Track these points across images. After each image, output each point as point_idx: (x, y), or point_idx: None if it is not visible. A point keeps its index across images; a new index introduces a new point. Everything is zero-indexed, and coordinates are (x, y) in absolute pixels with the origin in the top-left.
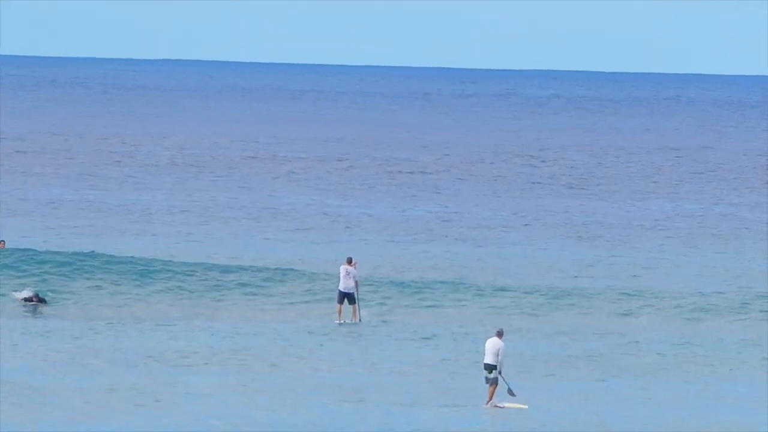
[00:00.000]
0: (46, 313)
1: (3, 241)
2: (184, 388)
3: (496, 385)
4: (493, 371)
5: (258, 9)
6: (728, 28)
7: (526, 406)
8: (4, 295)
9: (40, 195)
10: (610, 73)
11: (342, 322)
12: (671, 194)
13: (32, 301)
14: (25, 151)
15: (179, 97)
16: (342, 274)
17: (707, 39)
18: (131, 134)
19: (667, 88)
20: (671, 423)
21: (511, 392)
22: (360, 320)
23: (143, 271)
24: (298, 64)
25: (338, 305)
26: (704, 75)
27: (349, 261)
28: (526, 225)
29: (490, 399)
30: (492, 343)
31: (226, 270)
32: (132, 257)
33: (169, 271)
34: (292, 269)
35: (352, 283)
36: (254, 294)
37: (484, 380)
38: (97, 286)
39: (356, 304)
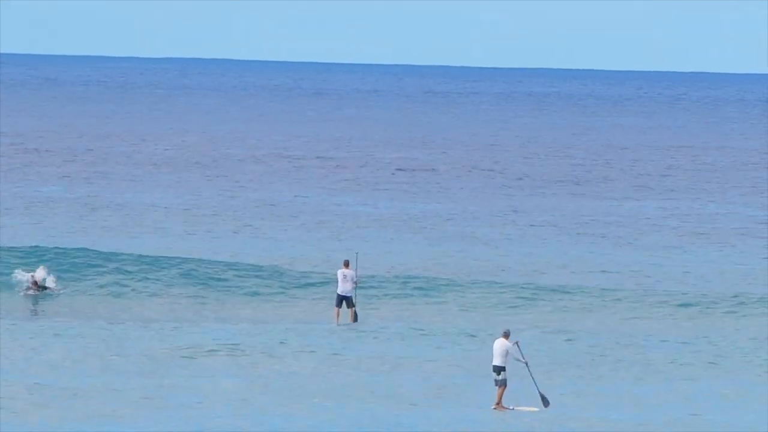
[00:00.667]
0: (48, 312)
1: None
2: (189, 389)
3: (505, 386)
4: (501, 373)
5: (258, 8)
6: (728, 28)
7: (537, 409)
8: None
9: (42, 193)
10: (610, 72)
11: (339, 324)
12: (673, 194)
13: (35, 287)
14: (28, 149)
15: (200, 95)
16: (340, 278)
17: (707, 38)
18: (143, 132)
19: (668, 87)
20: (671, 423)
21: (544, 399)
22: (356, 320)
23: (148, 269)
24: (298, 63)
25: (336, 309)
26: (704, 73)
27: (346, 264)
28: (531, 225)
29: (499, 401)
30: (499, 345)
31: (233, 268)
32: (137, 255)
33: (174, 269)
34: (295, 269)
35: (350, 287)
36: (256, 294)
37: (493, 382)
38: (101, 284)
39: (354, 308)
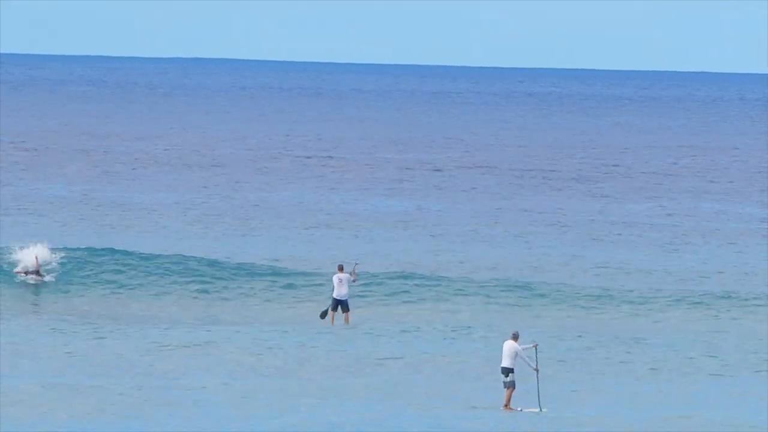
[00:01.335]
0: (48, 310)
1: None
2: (189, 389)
3: (513, 388)
4: (510, 374)
5: (258, 8)
6: (728, 28)
7: (545, 410)
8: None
9: (42, 193)
10: (609, 72)
11: (333, 325)
12: (673, 193)
13: (37, 273)
14: (28, 149)
15: (201, 95)
16: (335, 282)
17: (707, 38)
18: (142, 132)
19: (668, 87)
20: (671, 421)
21: (539, 406)
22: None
23: (147, 267)
24: (298, 63)
25: (332, 312)
26: (704, 73)
27: (341, 269)
28: (532, 224)
29: (507, 402)
30: (508, 346)
31: (232, 267)
32: (136, 254)
33: (173, 268)
34: (294, 269)
35: (345, 291)
36: (254, 294)
37: (502, 384)
38: (101, 283)
39: (349, 312)
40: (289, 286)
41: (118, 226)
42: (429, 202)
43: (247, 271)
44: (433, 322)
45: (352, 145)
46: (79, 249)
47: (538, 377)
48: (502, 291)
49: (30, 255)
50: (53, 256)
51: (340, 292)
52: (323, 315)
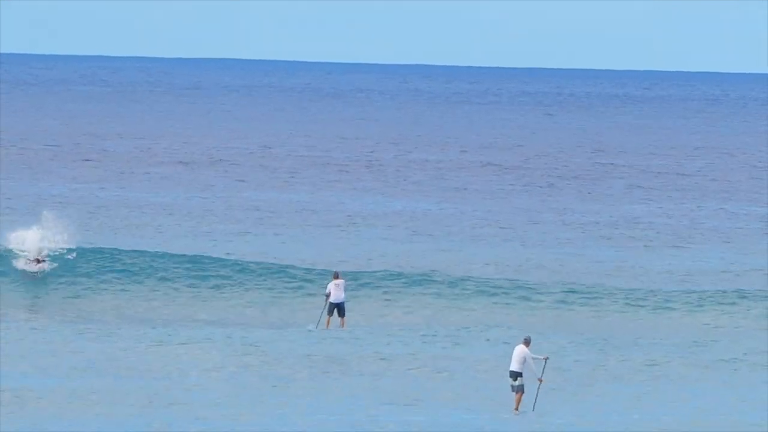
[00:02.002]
0: (49, 310)
1: None
2: (189, 389)
3: (522, 392)
4: (519, 378)
5: (258, 8)
6: (728, 28)
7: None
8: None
9: (41, 192)
10: (609, 71)
11: (328, 328)
12: (674, 193)
13: (39, 261)
14: (28, 149)
15: (201, 95)
16: (332, 288)
17: (707, 38)
18: (142, 131)
19: (668, 87)
20: (673, 422)
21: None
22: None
23: (148, 268)
24: (298, 63)
25: (328, 316)
26: (704, 73)
27: (336, 276)
28: (532, 224)
29: (517, 407)
30: (518, 351)
31: (233, 268)
32: (138, 254)
33: (173, 268)
34: (294, 270)
35: (342, 295)
36: (252, 294)
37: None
38: (102, 283)
39: (345, 317)
40: (290, 286)
41: (117, 225)
42: (429, 202)
43: (247, 271)
44: (433, 322)
45: (352, 145)
46: (79, 249)
47: (539, 387)
48: (503, 291)
49: (28, 242)
50: (48, 242)
51: (337, 295)
52: (318, 323)
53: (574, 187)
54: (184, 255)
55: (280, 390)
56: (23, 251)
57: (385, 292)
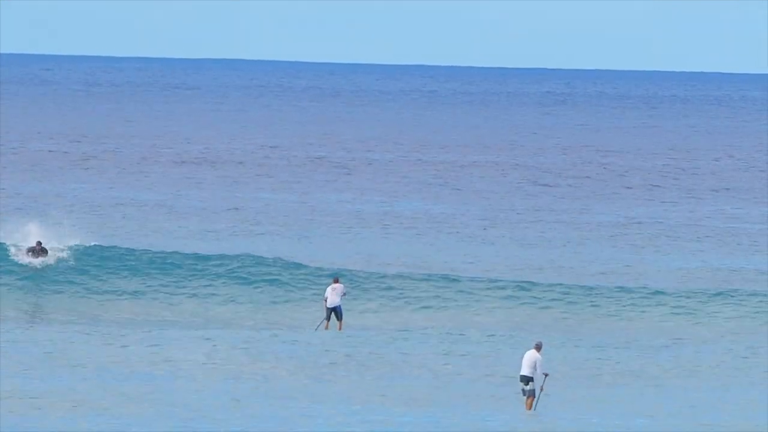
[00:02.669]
0: (51, 311)
1: None
2: (189, 390)
3: (534, 396)
4: (530, 383)
5: (258, 8)
6: (728, 28)
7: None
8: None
9: (41, 192)
10: (609, 71)
11: (327, 330)
12: (674, 194)
13: (39, 250)
14: (27, 149)
15: (201, 95)
16: (329, 292)
17: (707, 38)
18: (142, 131)
19: (668, 87)
20: (671, 424)
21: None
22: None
23: (153, 269)
24: (298, 63)
25: (326, 321)
26: (704, 73)
27: (336, 280)
28: (534, 224)
29: (531, 406)
30: (529, 356)
31: (235, 269)
32: (141, 254)
33: (176, 270)
34: (295, 270)
35: (338, 300)
36: (258, 294)
37: (521, 391)
38: (104, 283)
39: (342, 320)
40: (290, 287)
41: (118, 225)
42: (430, 203)
43: (248, 272)
44: (434, 322)
45: (352, 145)
46: (79, 248)
47: (540, 393)
48: (504, 291)
49: (28, 241)
50: (48, 242)
51: (333, 300)
52: (318, 326)
53: (574, 187)
54: (185, 254)
55: (280, 391)
56: (23, 248)
57: (385, 293)
